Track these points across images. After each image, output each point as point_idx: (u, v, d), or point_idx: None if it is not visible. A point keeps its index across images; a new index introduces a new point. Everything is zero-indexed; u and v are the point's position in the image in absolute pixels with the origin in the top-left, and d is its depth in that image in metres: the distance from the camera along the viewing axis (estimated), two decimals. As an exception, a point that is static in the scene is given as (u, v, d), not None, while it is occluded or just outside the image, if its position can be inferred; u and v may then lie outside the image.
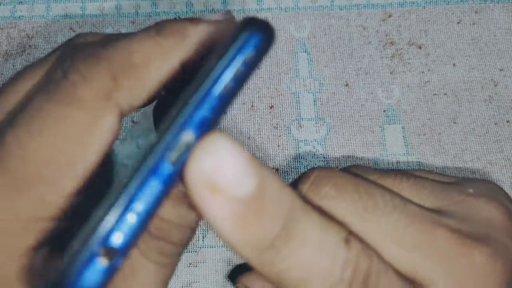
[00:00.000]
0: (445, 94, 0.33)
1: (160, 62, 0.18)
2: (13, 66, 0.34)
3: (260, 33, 0.16)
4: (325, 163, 0.32)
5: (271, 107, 0.33)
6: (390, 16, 0.35)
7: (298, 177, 0.20)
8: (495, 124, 0.33)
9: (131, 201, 0.14)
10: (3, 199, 0.17)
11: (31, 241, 0.17)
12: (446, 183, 0.22)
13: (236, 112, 0.33)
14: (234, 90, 0.15)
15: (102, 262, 0.14)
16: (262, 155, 0.32)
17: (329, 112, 0.33)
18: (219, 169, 0.15)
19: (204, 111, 0.14)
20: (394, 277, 0.18)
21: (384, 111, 0.33)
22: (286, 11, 0.35)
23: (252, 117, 0.33)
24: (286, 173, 0.31)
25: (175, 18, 0.20)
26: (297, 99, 0.33)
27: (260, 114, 0.33)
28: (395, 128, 0.32)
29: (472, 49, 0.35)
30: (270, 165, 0.32)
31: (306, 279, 0.16)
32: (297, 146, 0.32)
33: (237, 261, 0.29)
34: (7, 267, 0.17)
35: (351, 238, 0.17)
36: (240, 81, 0.15)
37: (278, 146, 0.32)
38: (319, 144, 0.32)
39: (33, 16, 0.36)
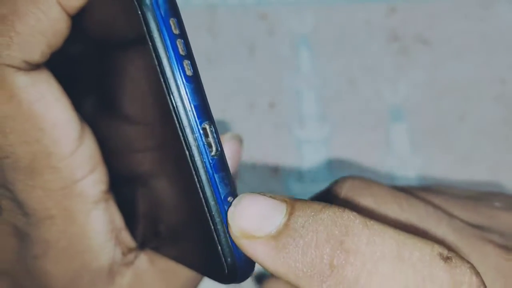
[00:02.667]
0: (452, 91, 0.33)
1: (30, 5, 0.17)
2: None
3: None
4: (329, 163, 0.32)
5: (272, 105, 0.33)
6: (395, 10, 0.35)
7: (327, 188, 0.20)
8: (504, 122, 0.33)
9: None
10: None
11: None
12: (472, 197, 0.22)
13: (234, 111, 0.33)
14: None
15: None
16: (262, 156, 0.32)
17: (332, 110, 0.33)
18: (245, 219, 0.16)
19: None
20: None
21: (390, 109, 0.33)
22: (287, 5, 0.35)
23: (251, 116, 0.33)
24: (287, 174, 0.31)
25: None
26: (299, 97, 0.33)
27: (260, 113, 0.33)
28: (400, 127, 0.33)
29: (480, 45, 0.34)
30: (270, 165, 0.32)
31: None
32: (299, 146, 0.32)
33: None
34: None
35: (451, 254, 0.15)
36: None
37: (279, 146, 0.32)
38: (321, 143, 0.32)
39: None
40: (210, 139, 0.15)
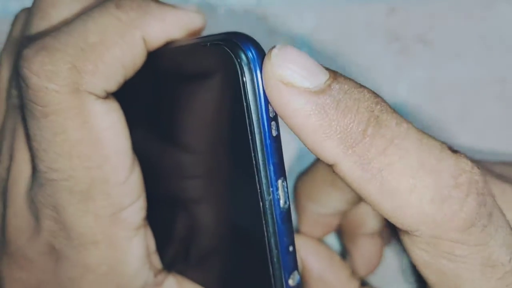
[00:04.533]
0: (452, 91, 0.33)
1: (119, 37, 0.17)
2: (5, 62, 0.34)
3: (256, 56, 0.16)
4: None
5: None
6: (395, 10, 0.35)
7: None
8: (505, 122, 0.33)
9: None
10: None
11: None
12: None
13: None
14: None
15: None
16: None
17: (332, 111, 0.33)
18: (288, 65, 0.16)
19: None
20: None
21: None
22: (287, 5, 0.35)
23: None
24: (288, 176, 0.31)
25: None
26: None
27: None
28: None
29: (480, 45, 0.34)
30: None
31: (413, 184, 0.16)
32: (298, 146, 0.32)
33: None
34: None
35: (453, 148, 0.17)
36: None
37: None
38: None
39: (26, 11, 0.35)
40: (281, 193, 0.16)
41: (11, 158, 0.20)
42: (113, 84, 0.18)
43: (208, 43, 0.16)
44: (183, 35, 0.19)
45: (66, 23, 0.18)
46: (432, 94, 0.33)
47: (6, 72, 0.21)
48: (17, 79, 0.19)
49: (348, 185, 0.16)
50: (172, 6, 0.19)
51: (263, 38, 0.34)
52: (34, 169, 0.19)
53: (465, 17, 0.35)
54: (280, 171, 0.16)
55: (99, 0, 0.19)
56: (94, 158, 0.18)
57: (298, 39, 0.34)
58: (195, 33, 0.20)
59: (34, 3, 0.20)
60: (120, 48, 0.18)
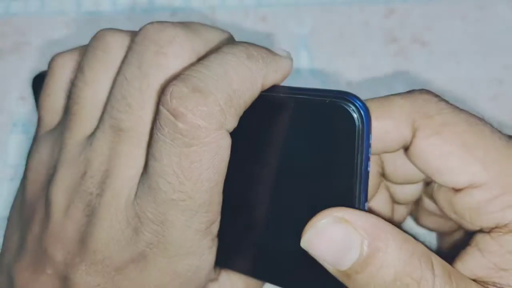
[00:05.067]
0: (449, 92, 0.33)
1: (250, 85, 0.21)
2: (7, 63, 0.34)
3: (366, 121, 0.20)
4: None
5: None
6: (393, 12, 0.35)
7: None
8: (500, 122, 0.33)
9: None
10: None
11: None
12: None
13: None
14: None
15: None
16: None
17: (330, 111, 0.33)
18: (326, 246, 0.20)
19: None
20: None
21: None
22: (286, 6, 0.35)
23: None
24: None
25: (253, 44, 0.22)
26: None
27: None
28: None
29: (477, 46, 0.34)
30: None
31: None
32: None
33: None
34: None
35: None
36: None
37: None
38: None
39: (27, 12, 0.35)
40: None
41: (106, 175, 0.22)
42: (237, 121, 0.21)
43: (327, 99, 0.20)
44: (282, 81, 0.23)
45: (203, 65, 0.20)
46: (429, 94, 0.34)
47: (101, 94, 0.23)
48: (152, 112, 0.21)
49: None
50: (279, 55, 0.22)
51: (262, 39, 0.34)
52: (148, 188, 0.21)
53: (461, 18, 0.35)
54: (366, 197, 0.20)
55: (205, 38, 0.22)
56: (212, 183, 0.20)
57: (296, 40, 0.35)
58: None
59: (145, 36, 0.22)
60: (250, 93, 0.21)
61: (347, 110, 0.20)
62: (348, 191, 0.20)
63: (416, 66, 0.34)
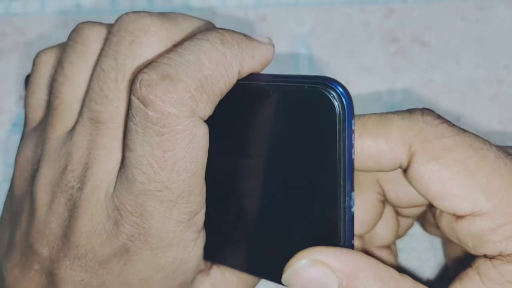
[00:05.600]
0: (449, 92, 0.33)
1: (224, 71, 0.20)
2: (7, 63, 0.34)
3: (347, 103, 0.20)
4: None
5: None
6: (393, 12, 0.35)
7: None
8: (500, 123, 0.33)
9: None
10: None
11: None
12: None
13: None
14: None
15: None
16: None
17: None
18: (304, 286, 0.20)
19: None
20: None
21: (387, 109, 0.32)
22: (286, 6, 0.35)
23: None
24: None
25: (229, 30, 0.22)
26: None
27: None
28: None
29: (476, 46, 0.34)
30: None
31: None
32: None
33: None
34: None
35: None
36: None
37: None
38: None
39: (27, 12, 0.35)
40: (352, 201, 0.20)
41: (85, 168, 0.22)
42: (213, 109, 0.20)
43: (306, 86, 0.20)
44: (262, 68, 0.22)
45: (174, 51, 0.20)
46: (429, 94, 0.33)
47: (81, 87, 0.23)
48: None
49: None
50: (258, 41, 0.22)
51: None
52: (125, 180, 0.21)
53: (461, 18, 0.35)
54: (352, 186, 0.20)
55: (182, 27, 0.22)
56: (188, 172, 0.20)
57: (296, 40, 0.35)
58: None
59: (121, 27, 0.21)
60: (224, 80, 0.20)
61: (326, 95, 0.19)
62: (332, 178, 0.20)
63: (416, 66, 0.34)
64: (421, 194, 0.21)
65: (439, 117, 0.21)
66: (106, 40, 0.22)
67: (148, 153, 0.20)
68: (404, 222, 0.27)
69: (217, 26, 0.25)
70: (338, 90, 0.19)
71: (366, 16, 0.35)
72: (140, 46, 0.21)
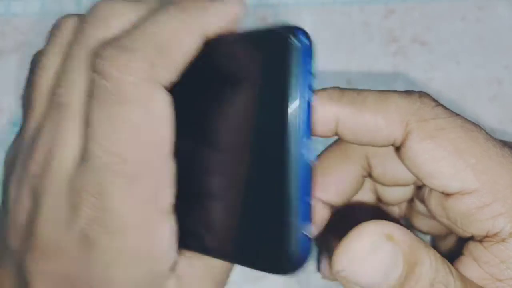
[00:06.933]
0: (448, 92, 0.33)
1: (184, 37, 0.20)
2: (7, 63, 0.34)
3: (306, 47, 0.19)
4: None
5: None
6: (393, 12, 0.35)
7: None
8: (500, 123, 0.33)
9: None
10: None
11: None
12: None
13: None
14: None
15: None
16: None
17: (330, 111, 0.33)
18: (373, 269, 0.19)
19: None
20: None
21: None
22: (286, 6, 0.35)
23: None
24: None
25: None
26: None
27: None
28: (398, 127, 0.32)
29: (476, 46, 0.34)
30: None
31: None
32: None
33: None
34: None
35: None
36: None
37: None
38: (320, 144, 0.32)
39: (27, 12, 0.35)
40: (308, 151, 0.19)
41: (48, 154, 0.21)
42: (176, 75, 0.20)
43: (262, 31, 0.19)
44: (232, 26, 0.21)
45: (135, 26, 0.20)
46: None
47: (51, 75, 0.22)
48: (75, 76, 0.21)
49: None
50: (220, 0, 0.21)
51: (262, 39, 0.34)
52: (84, 160, 0.20)
53: (461, 18, 0.35)
54: (311, 131, 0.19)
55: (152, 9, 0.21)
56: (148, 143, 0.19)
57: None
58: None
59: (92, 14, 0.21)
60: (185, 45, 0.20)
61: (281, 34, 0.19)
62: (284, 121, 0.18)
63: (416, 66, 0.34)
64: (411, 172, 0.21)
65: (435, 100, 0.22)
66: (79, 28, 0.22)
67: (106, 125, 0.19)
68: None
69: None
70: (295, 31, 0.19)
71: (366, 16, 0.35)
72: (107, 28, 0.21)
